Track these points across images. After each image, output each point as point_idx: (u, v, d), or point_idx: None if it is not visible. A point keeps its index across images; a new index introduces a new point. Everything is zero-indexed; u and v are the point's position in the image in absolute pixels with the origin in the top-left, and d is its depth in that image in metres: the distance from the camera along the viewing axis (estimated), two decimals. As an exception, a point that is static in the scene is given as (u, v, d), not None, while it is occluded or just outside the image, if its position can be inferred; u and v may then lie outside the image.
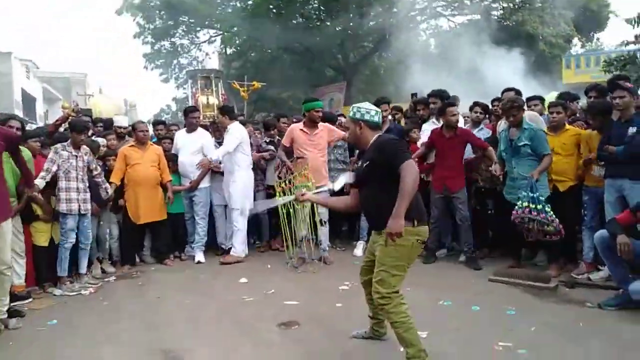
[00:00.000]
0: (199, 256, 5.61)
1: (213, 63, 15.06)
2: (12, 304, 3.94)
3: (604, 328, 3.28)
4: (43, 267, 4.56)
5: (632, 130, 4.00)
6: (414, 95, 9.09)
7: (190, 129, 5.85)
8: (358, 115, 2.88)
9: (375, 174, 2.74)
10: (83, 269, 4.77)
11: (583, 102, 5.82)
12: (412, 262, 2.76)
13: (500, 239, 5.32)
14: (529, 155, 4.41)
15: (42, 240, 4.54)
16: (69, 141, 4.63)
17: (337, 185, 3.37)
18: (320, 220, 5.33)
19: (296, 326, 3.53)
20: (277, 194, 5.14)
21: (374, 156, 2.76)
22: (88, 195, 4.70)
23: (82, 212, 4.60)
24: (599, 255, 3.94)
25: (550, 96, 6.27)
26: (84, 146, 4.74)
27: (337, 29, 19.57)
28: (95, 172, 4.81)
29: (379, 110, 2.94)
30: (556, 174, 4.56)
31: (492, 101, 5.76)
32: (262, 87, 15.62)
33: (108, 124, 6.42)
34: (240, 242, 5.49)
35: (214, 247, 5.90)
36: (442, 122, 5.14)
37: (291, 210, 5.16)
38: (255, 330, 3.49)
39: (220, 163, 5.64)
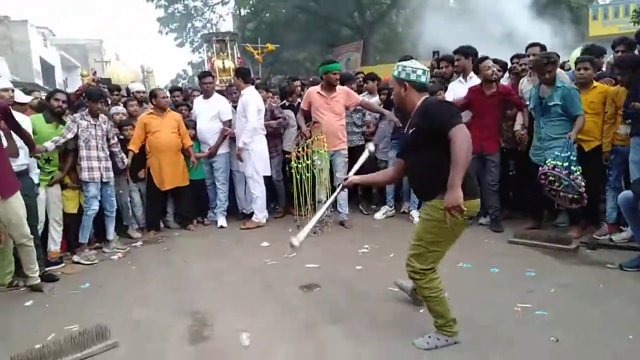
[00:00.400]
0: (222, 221, 5.73)
1: (227, 25, 14.89)
2: (46, 269, 4.14)
3: (624, 289, 3.28)
4: (73, 234, 4.72)
5: (661, 86, 3.86)
6: (435, 53, 8.83)
7: (206, 94, 5.85)
8: (403, 75, 2.63)
9: (422, 140, 2.51)
10: (110, 234, 4.93)
11: (610, 56, 5.57)
12: (456, 238, 2.58)
13: (521, 201, 5.28)
14: (560, 115, 4.24)
15: (71, 207, 4.69)
16: (86, 110, 4.68)
17: (362, 159, 3.31)
18: (339, 185, 5.34)
19: (318, 288, 3.63)
20: (293, 160, 5.17)
21: (420, 121, 2.53)
22: (110, 163, 4.78)
23: (105, 180, 4.69)
24: (622, 216, 3.90)
25: (575, 53, 6.01)
26: (102, 115, 4.79)
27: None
28: (112, 142, 4.88)
29: (427, 69, 2.67)
30: (582, 133, 4.37)
31: (512, 58, 5.50)
32: (277, 49, 15.40)
33: (126, 92, 6.48)
34: (259, 209, 5.57)
35: (235, 211, 6.01)
36: (477, 79, 4.96)
37: (307, 174, 5.16)
38: (278, 293, 3.60)
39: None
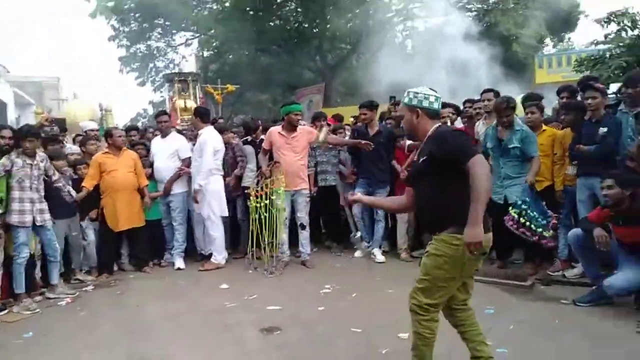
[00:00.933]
0: (179, 262, 5.55)
1: (190, 66, 14.87)
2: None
3: (578, 324, 3.36)
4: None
5: (602, 130, 4.12)
6: (392, 98, 9.14)
7: (163, 134, 5.79)
8: (415, 102, 2.51)
9: (435, 169, 2.38)
10: (54, 279, 4.59)
11: (555, 102, 5.94)
12: (468, 275, 2.47)
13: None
14: (518, 157, 4.43)
15: (12, 250, 4.33)
16: (20, 149, 4.35)
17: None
18: (301, 224, 5.33)
19: (278, 331, 3.52)
20: (252, 199, 5.13)
21: (434, 149, 2.37)
22: (45, 205, 4.44)
23: (39, 223, 4.35)
24: (573, 253, 4.05)
25: (519, 100, 6.35)
26: (40, 153, 4.52)
27: (315, 30, 19.61)
28: (54, 178, 4.57)
29: (439, 96, 2.57)
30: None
31: (464, 102, 5.80)
32: (238, 90, 15.57)
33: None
34: (218, 250, 5.44)
35: (194, 253, 5.84)
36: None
37: (265, 214, 5.10)
38: (237, 336, 3.47)
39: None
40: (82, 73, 56.20)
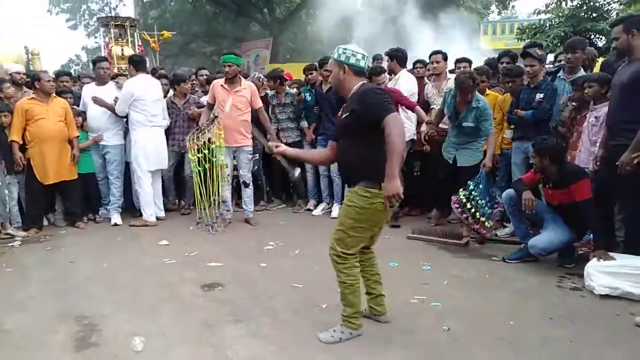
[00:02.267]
0: (116, 218, 5.33)
1: (128, 10, 13.91)
2: None
3: (505, 279, 3.58)
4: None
5: (539, 96, 4.30)
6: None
7: (101, 81, 5.42)
8: (343, 58, 2.59)
9: (355, 126, 2.51)
10: None
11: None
12: (376, 225, 2.65)
13: (419, 199, 5.54)
14: (472, 130, 4.46)
15: None
16: None
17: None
18: (243, 182, 5.24)
19: (219, 287, 3.50)
20: (191, 152, 4.92)
21: (356, 107, 2.49)
22: None
23: None
24: (505, 213, 4.26)
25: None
26: None
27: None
28: None
29: (367, 55, 2.64)
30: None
31: (414, 63, 5.80)
32: (176, 39, 14.78)
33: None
34: (145, 206, 5.24)
35: (133, 208, 5.62)
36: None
37: (205, 166, 4.89)
38: (178, 293, 3.40)
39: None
40: (5, 11, 51.09)
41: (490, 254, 4.16)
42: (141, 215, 5.32)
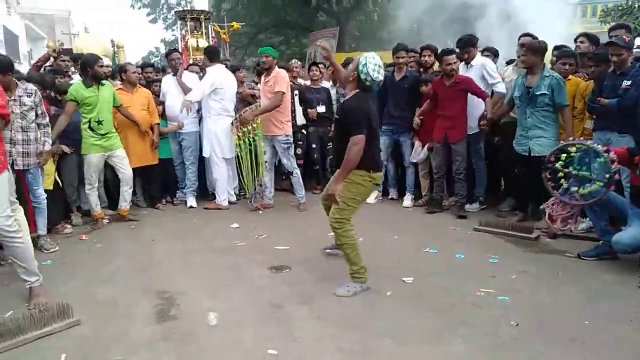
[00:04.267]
0: (191, 201, 5.66)
1: (203, 4, 14.41)
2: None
3: (580, 277, 3.41)
4: (51, 210, 4.29)
5: (626, 83, 3.96)
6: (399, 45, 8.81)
7: (175, 71, 5.73)
8: (360, 67, 2.99)
9: (341, 128, 3.18)
10: (41, 229, 4.13)
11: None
12: (366, 199, 3.32)
13: (491, 190, 5.37)
14: (546, 105, 4.28)
15: (47, 184, 4.33)
16: None
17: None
18: (286, 172, 5.42)
19: (287, 270, 3.64)
20: (237, 145, 5.24)
21: (340, 117, 3.20)
22: (31, 147, 3.87)
23: (24, 167, 3.85)
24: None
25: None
26: (25, 86, 3.84)
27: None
28: (40, 120, 3.94)
29: (378, 77, 3.00)
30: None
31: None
32: (246, 30, 15.13)
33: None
34: (220, 191, 5.51)
35: (207, 192, 5.94)
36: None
37: (247, 151, 5.27)
38: (247, 274, 3.59)
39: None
40: (93, 7, 54.99)
41: (562, 249, 3.96)
42: (215, 198, 5.61)
